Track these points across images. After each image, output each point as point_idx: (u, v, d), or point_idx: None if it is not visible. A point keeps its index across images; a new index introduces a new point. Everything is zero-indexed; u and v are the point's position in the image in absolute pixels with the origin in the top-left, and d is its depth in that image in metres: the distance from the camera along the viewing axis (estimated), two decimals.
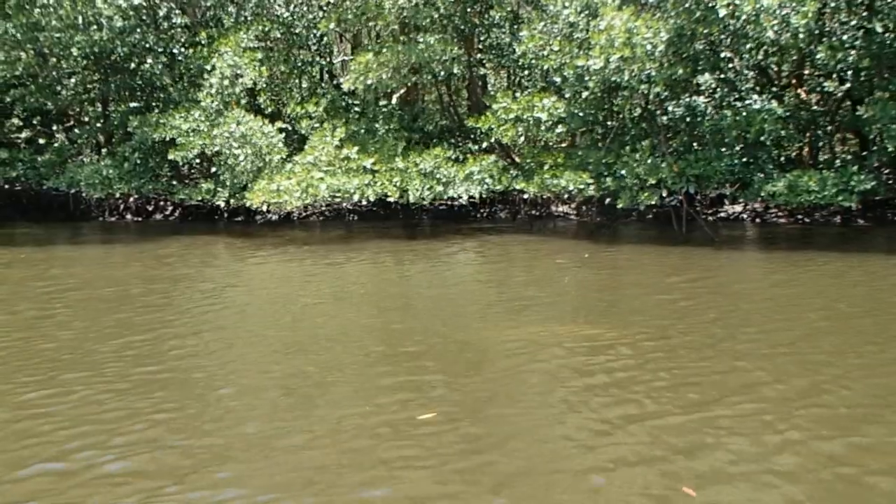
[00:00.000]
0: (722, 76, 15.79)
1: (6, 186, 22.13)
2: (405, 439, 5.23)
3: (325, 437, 5.30)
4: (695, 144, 16.26)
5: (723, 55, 15.67)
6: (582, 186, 15.62)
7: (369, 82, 16.26)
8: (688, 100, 15.87)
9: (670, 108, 16.15)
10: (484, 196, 17.26)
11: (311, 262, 13.24)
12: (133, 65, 19.59)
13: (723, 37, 14.79)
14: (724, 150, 15.18)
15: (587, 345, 7.47)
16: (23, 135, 23.54)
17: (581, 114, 16.22)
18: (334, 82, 20.25)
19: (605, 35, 14.13)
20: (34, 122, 23.31)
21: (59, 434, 5.38)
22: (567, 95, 16.09)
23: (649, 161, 15.35)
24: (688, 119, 15.86)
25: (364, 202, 16.03)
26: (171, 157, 16.92)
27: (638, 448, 5.02)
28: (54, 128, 23.35)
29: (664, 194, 15.73)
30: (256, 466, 4.85)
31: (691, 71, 14.98)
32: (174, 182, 19.34)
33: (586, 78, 14.88)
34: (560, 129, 16.26)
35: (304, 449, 5.12)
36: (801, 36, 13.30)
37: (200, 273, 12.45)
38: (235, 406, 5.94)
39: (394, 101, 19.54)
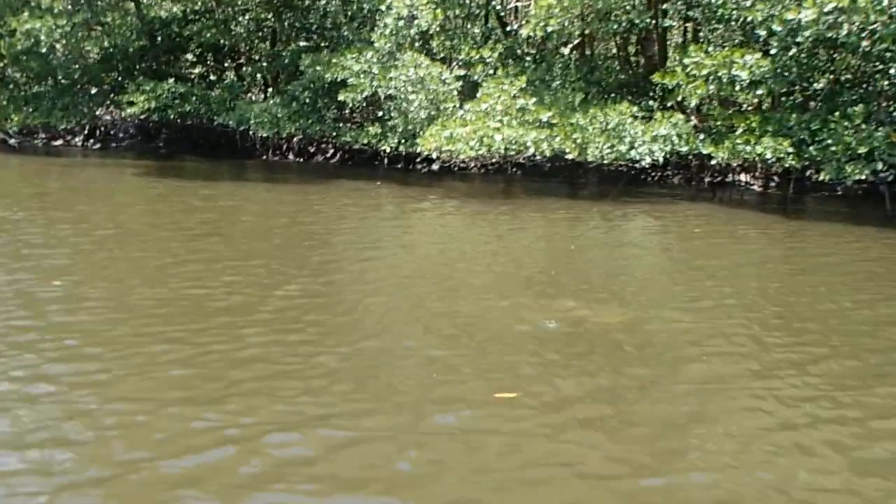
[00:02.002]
0: None
1: (178, 121, 22.90)
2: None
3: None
4: None
5: None
6: (782, 156, 13.98)
7: (549, 29, 15.23)
8: None
9: (893, 70, 14.08)
10: (661, 159, 15.89)
11: (476, 215, 12.69)
12: (307, 2, 19.50)
13: None
14: None
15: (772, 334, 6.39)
16: (196, 70, 24.29)
17: (787, 73, 14.46)
18: (507, 29, 19.31)
19: None
20: (207, 58, 23.99)
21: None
22: (773, 52, 14.36)
23: (863, 128, 13.51)
24: None
25: (538, 157, 15.13)
26: (341, 97, 16.68)
27: None
28: (225, 65, 23.95)
29: (879, 167, 13.80)
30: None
31: None
32: (339, 124, 19.25)
33: (797, 32, 13.17)
34: (760, 90, 14.58)
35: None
36: None
37: (369, 216, 12.19)
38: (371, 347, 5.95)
39: (566, 50, 18.39)
